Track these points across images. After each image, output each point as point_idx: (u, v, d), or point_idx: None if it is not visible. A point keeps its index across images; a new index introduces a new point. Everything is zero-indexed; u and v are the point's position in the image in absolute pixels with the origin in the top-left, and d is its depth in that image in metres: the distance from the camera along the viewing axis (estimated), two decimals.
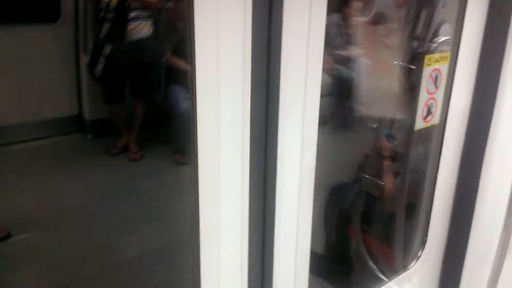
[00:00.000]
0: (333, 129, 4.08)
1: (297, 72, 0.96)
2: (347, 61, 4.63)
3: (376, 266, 2.29)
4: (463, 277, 1.61)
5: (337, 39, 4.64)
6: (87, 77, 3.72)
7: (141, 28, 3.66)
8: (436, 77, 1.38)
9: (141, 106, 3.87)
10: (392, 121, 2.39)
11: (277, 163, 1.01)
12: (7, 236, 2.71)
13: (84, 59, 3.74)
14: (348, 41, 4.81)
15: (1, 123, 3.52)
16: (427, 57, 1.33)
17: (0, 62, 3.26)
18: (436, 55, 1.34)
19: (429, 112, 1.40)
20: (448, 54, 1.39)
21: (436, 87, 1.39)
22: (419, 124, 1.40)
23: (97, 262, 2.60)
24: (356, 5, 4.65)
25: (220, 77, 0.86)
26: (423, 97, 1.36)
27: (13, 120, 3.58)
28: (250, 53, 0.88)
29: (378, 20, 5.25)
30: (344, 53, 4.67)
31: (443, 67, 1.38)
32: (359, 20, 4.94)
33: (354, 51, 4.75)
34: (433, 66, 1.34)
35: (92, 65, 3.57)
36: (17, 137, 3.64)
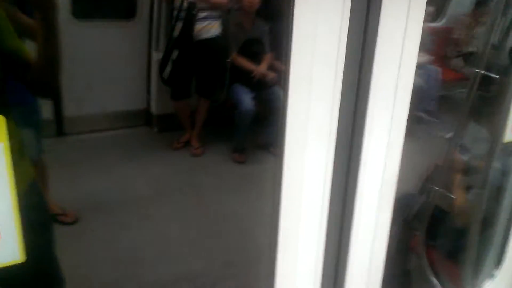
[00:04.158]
0: None
1: (389, 74, 0.94)
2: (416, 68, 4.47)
3: (439, 283, 2.19)
4: None
5: None
6: (157, 74, 3.86)
7: (209, 28, 3.74)
8: None
9: (205, 103, 3.96)
10: (466, 132, 2.28)
11: (360, 169, 0.98)
12: (76, 221, 2.86)
13: (156, 56, 3.88)
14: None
15: (75, 113, 3.74)
16: None
17: (80, 54, 3.46)
18: None
19: None
20: None
21: None
22: (509, 136, 1.32)
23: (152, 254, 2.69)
24: (427, 9, 4.47)
25: (312, 75, 0.86)
26: None
27: (86, 110, 3.78)
28: (344, 52, 0.88)
29: (451, 26, 5.04)
30: None
31: None
32: (430, 25, 4.77)
33: (423, 58, 4.59)
34: None
35: (162, 65, 3.69)
36: (88, 127, 3.84)
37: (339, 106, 0.90)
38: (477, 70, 1.95)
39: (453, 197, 2.18)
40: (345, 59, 0.87)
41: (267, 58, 4.00)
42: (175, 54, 3.66)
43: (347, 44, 0.86)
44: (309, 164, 0.92)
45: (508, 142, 1.37)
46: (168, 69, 3.68)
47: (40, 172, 2.66)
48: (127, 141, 3.91)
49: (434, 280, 2.23)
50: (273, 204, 0.95)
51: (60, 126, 3.70)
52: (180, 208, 3.13)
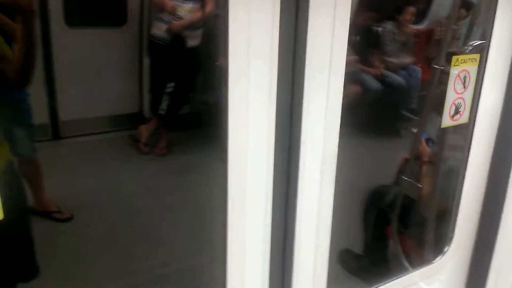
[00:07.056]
0: (380, 135, 4.13)
1: (321, 60, 1.06)
2: (399, 68, 4.64)
3: (410, 266, 2.32)
4: (491, 273, 1.64)
5: (390, 46, 4.66)
6: (148, 78, 4.02)
7: (193, 37, 3.88)
8: (465, 77, 1.44)
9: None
10: (430, 125, 2.41)
11: (300, 148, 1.12)
12: (70, 218, 3.00)
13: (147, 61, 4.04)
14: (401, 48, 4.81)
15: (70, 117, 3.89)
16: (454, 58, 1.40)
17: (74, 60, 3.61)
18: (464, 56, 1.40)
19: (457, 111, 1.46)
20: (477, 56, 1.45)
21: (465, 87, 1.45)
22: (446, 122, 1.46)
23: None
24: (410, 13, 4.63)
25: (250, 66, 1.00)
26: (450, 96, 1.43)
27: (80, 114, 3.92)
28: (277, 40, 1.00)
29: (433, 28, 5.19)
30: (396, 60, 4.68)
31: (472, 68, 1.44)
32: (413, 27, 4.93)
33: (406, 59, 4.74)
34: (461, 67, 1.41)
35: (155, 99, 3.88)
36: (83, 130, 3.98)
37: (276, 90, 1.04)
38: (436, 66, 2.10)
39: (420, 186, 2.32)
40: (279, 50, 1.01)
41: None
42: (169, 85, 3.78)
43: (280, 33, 0.98)
44: (252, 145, 1.06)
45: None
46: (165, 103, 3.83)
47: (34, 171, 2.78)
48: (121, 143, 4.05)
49: (406, 264, 2.35)
50: (221, 188, 1.09)
51: (56, 130, 3.85)
52: (170, 205, 3.27)
